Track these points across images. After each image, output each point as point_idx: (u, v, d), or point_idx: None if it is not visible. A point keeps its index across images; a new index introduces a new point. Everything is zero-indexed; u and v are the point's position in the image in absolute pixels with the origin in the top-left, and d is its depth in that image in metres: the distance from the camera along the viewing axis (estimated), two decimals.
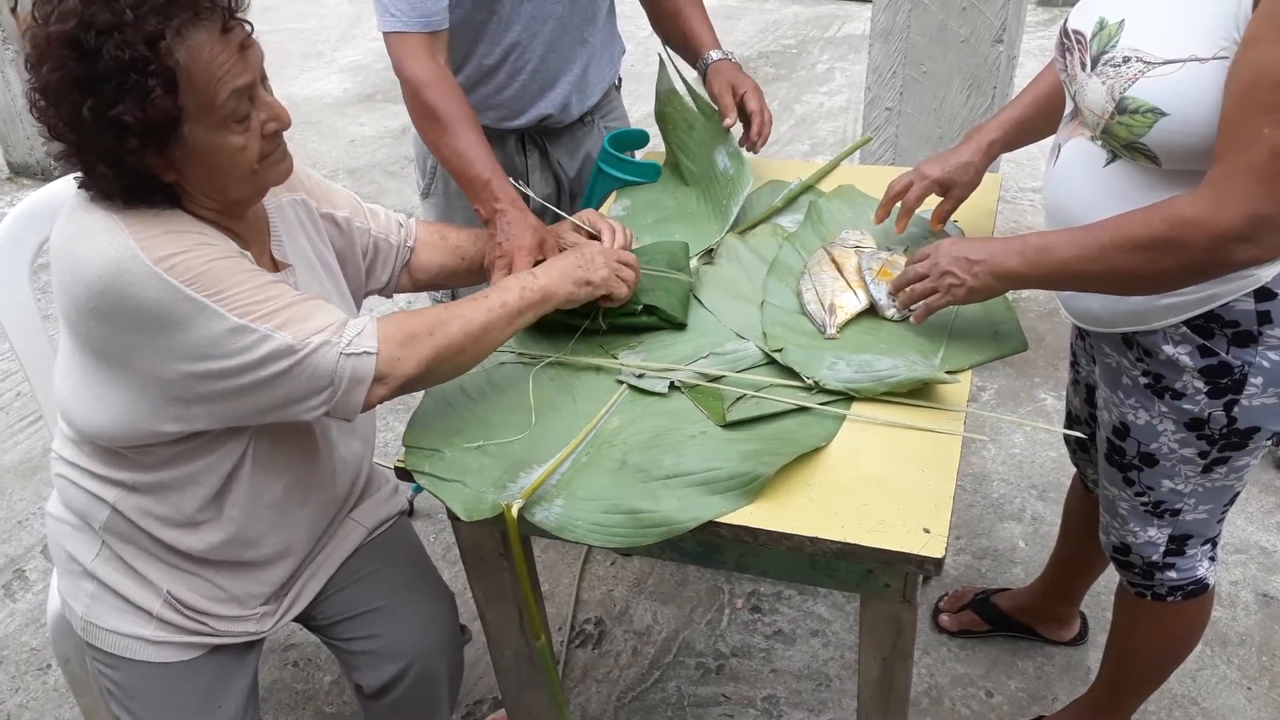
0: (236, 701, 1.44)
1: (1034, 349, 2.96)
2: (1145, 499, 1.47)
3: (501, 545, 1.41)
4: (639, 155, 2.08)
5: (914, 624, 1.29)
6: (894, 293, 1.49)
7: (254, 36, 1.18)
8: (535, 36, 1.83)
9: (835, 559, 1.21)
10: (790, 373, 1.43)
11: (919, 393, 1.38)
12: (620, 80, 2.13)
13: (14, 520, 2.65)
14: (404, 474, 1.37)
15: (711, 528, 1.22)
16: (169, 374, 1.18)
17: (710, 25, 1.98)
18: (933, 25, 2.73)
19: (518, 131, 1.96)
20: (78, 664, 1.68)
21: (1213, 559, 1.56)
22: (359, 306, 1.56)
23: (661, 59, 1.97)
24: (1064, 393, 2.78)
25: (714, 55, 1.92)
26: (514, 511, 1.24)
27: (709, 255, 1.75)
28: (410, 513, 2.50)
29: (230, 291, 1.16)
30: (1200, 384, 1.33)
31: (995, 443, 2.67)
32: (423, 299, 3.17)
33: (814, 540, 1.19)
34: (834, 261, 1.63)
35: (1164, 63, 1.16)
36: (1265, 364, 1.29)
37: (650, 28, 2.07)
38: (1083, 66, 1.28)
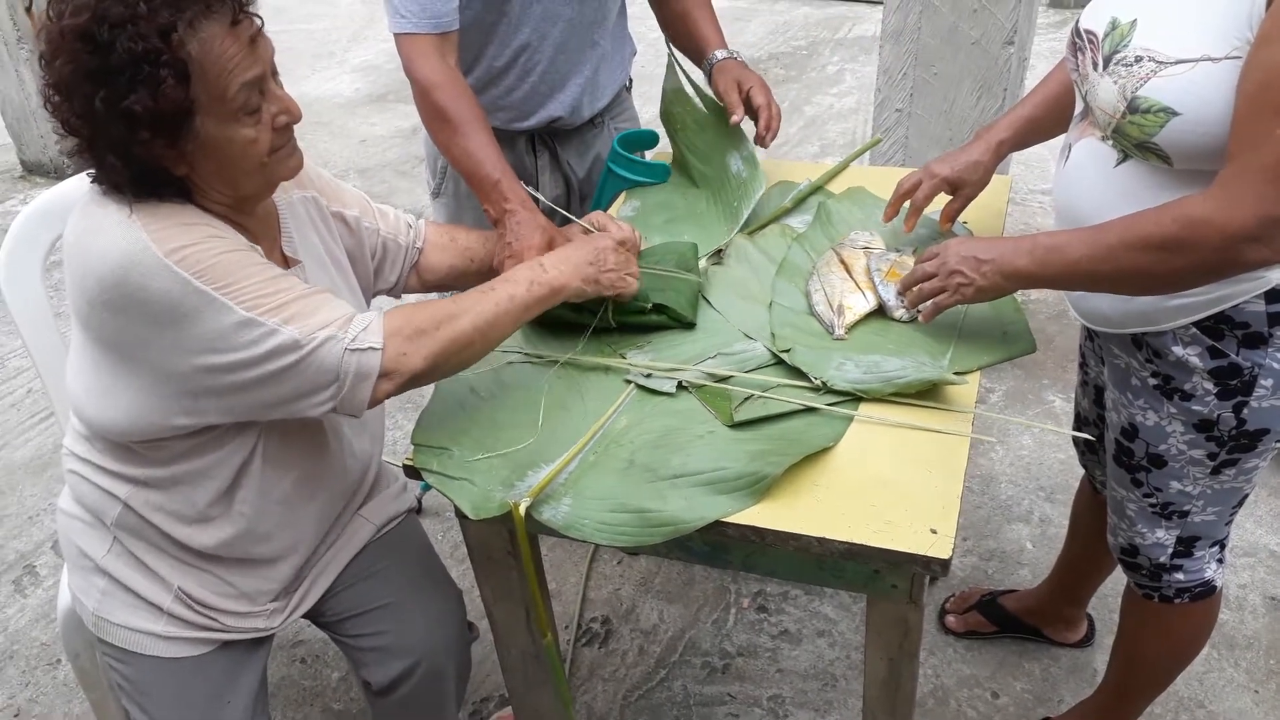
0: (246, 697, 1.45)
1: (1043, 350, 2.95)
2: (1153, 500, 1.47)
3: (509, 544, 1.41)
4: (649, 156, 2.09)
5: (920, 625, 1.29)
6: (902, 292, 1.49)
7: (264, 30, 1.19)
8: (545, 38, 1.83)
9: (842, 559, 1.21)
10: (798, 373, 1.43)
11: (927, 394, 1.38)
12: (631, 81, 2.13)
13: (25, 516, 2.67)
14: (412, 472, 1.38)
15: (719, 527, 1.23)
16: (178, 367, 1.19)
17: (718, 26, 1.97)
18: (944, 27, 2.73)
19: (528, 133, 1.97)
20: (87, 659, 1.69)
21: (1221, 561, 1.56)
22: (368, 306, 1.57)
23: (671, 59, 1.97)
24: (1073, 394, 2.78)
25: (719, 54, 1.92)
26: (521, 510, 1.25)
27: (718, 256, 1.75)
28: (419, 510, 2.51)
29: (239, 284, 1.17)
30: (1210, 385, 1.33)
31: (1003, 444, 2.67)
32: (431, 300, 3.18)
33: (821, 540, 1.19)
34: (843, 262, 1.63)
35: (1176, 62, 1.16)
36: (1275, 365, 1.29)
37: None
38: (1095, 66, 1.28)
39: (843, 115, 4.74)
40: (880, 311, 1.55)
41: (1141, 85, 1.19)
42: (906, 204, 1.64)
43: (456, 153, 1.66)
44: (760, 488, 1.24)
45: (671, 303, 1.55)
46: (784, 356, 1.46)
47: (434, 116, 1.67)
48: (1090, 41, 1.30)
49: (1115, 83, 1.23)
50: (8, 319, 1.70)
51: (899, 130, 2.95)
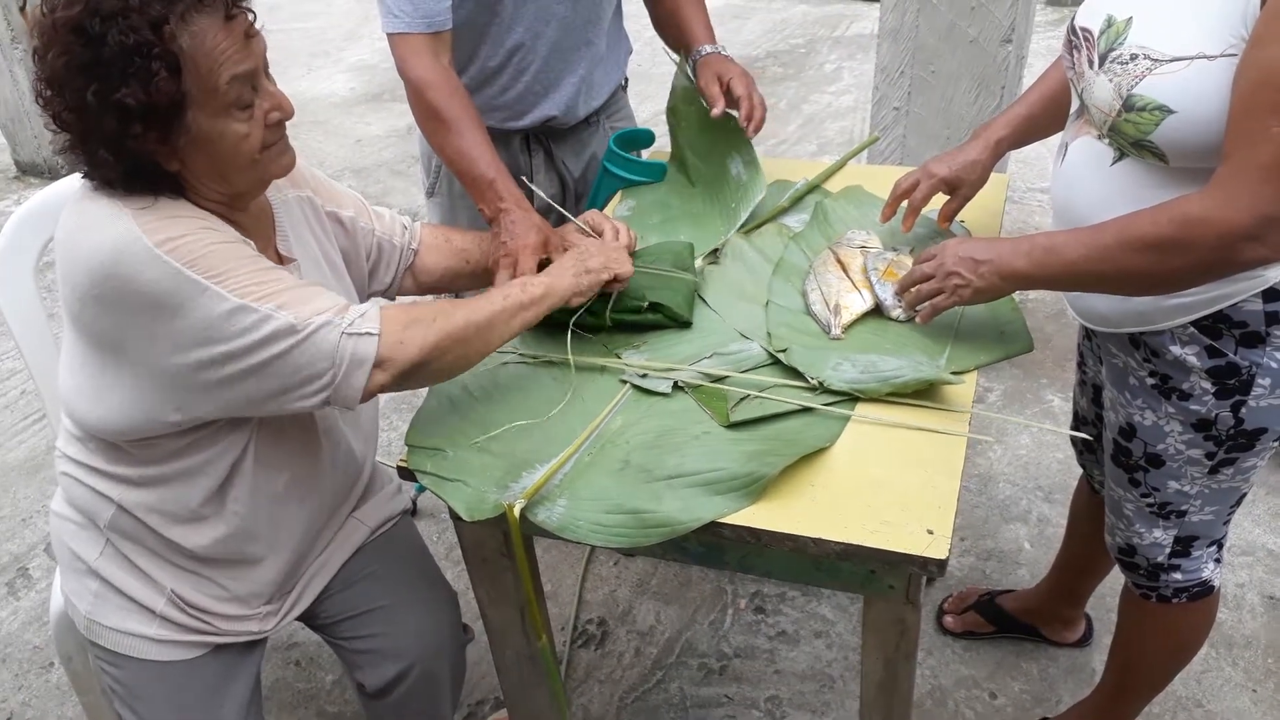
0: (239, 701, 1.44)
1: (1041, 350, 2.95)
2: (1151, 500, 1.47)
3: (504, 545, 1.40)
4: (645, 155, 2.08)
5: (918, 625, 1.29)
6: (900, 293, 1.48)
7: (257, 25, 1.19)
8: (539, 38, 1.82)
9: (838, 560, 1.21)
10: (795, 373, 1.43)
11: (924, 393, 1.38)
12: (627, 80, 2.12)
13: (18, 518, 2.66)
14: (406, 473, 1.37)
15: (714, 528, 1.22)
16: (170, 362, 1.18)
17: (707, 23, 1.95)
18: (941, 25, 2.72)
19: (522, 132, 1.96)
20: (80, 662, 1.68)
21: (1218, 561, 1.55)
22: None
23: (678, 57, 1.96)
24: (1071, 394, 2.77)
25: (705, 49, 1.90)
26: (516, 511, 1.24)
27: (714, 255, 1.74)
28: (413, 512, 2.50)
29: (231, 274, 1.16)
30: (1207, 385, 1.32)
31: (1001, 444, 2.66)
32: (427, 301, 3.17)
33: (817, 541, 1.19)
34: (839, 262, 1.62)
35: (1172, 60, 1.16)
36: (1273, 365, 1.29)
37: None
38: (1090, 64, 1.27)
39: (840, 113, 4.74)
40: (877, 311, 1.55)
41: (1137, 83, 1.19)
42: (904, 204, 1.64)
43: (450, 152, 1.65)
44: (756, 488, 1.23)
45: (668, 302, 1.54)
46: (780, 356, 1.45)
47: (428, 116, 1.66)
48: (1086, 39, 1.29)
49: (1111, 80, 1.22)
50: (0, 320, 1.69)
51: (897, 128, 2.95)
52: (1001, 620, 2.12)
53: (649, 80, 1.92)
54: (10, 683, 2.21)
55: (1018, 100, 1.62)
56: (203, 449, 1.29)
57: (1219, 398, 1.32)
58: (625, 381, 1.46)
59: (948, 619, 2.15)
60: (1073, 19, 1.36)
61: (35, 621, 2.35)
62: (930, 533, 1.17)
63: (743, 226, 1.81)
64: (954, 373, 1.40)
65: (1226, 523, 1.49)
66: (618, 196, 1.97)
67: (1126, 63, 1.20)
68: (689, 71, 1.89)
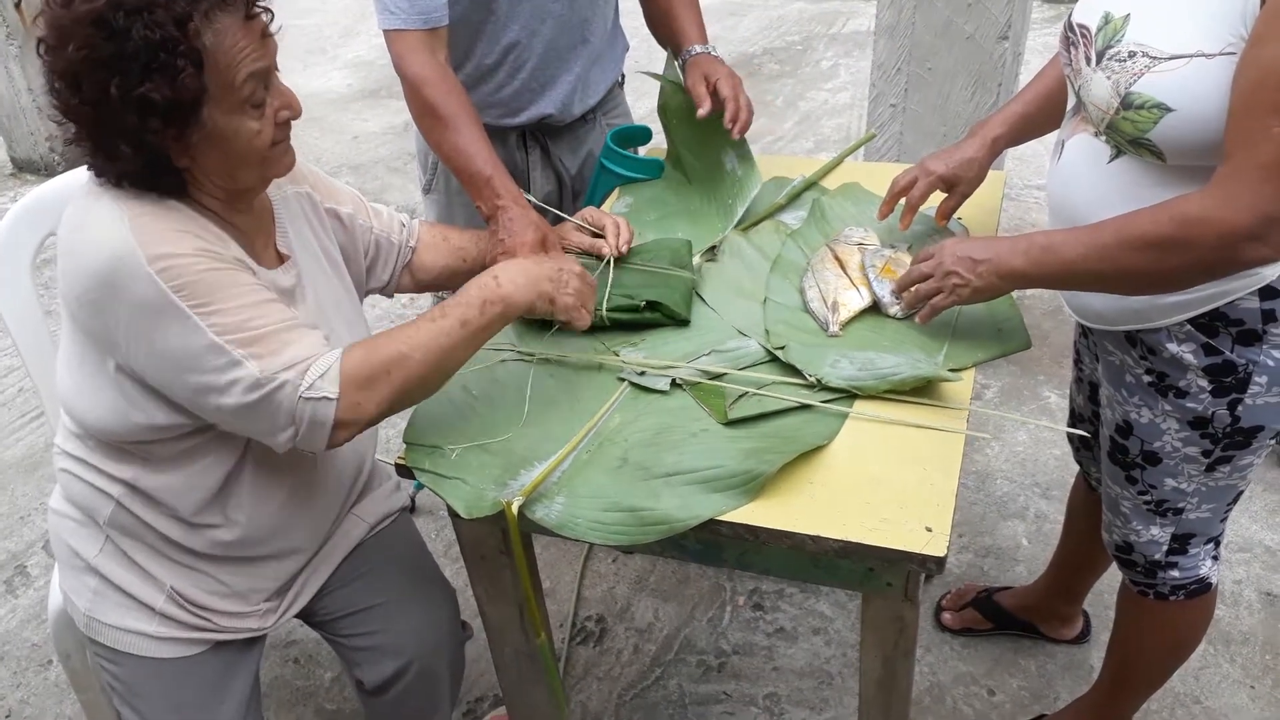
0: (238, 698, 1.44)
1: (1038, 347, 2.95)
2: (1148, 498, 1.47)
3: (502, 543, 1.40)
4: (642, 152, 2.08)
5: (916, 622, 1.29)
6: (898, 293, 1.48)
7: (273, 26, 1.20)
8: (534, 36, 1.82)
9: (837, 557, 1.21)
10: (792, 370, 1.43)
11: (922, 391, 1.38)
12: (623, 77, 2.12)
13: (16, 516, 2.66)
14: (405, 471, 1.37)
15: (712, 526, 1.22)
16: (154, 375, 1.19)
17: (700, 22, 1.94)
18: (938, 22, 2.72)
19: (519, 129, 1.96)
20: (79, 660, 1.68)
21: (1216, 558, 1.55)
22: (361, 304, 1.56)
23: (669, 54, 1.96)
24: (1068, 390, 2.78)
25: (695, 49, 1.89)
26: (514, 509, 1.24)
27: (712, 252, 1.74)
28: (412, 509, 2.50)
29: (215, 305, 1.15)
30: (1204, 383, 1.32)
31: (999, 440, 2.66)
32: (426, 300, 3.16)
33: (815, 539, 1.19)
34: (837, 259, 1.62)
35: (1170, 58, 1.16)
36: (1270, 363, 1.29)
37: None
38: (1088, 61, 1.27)
39: (837, 110, 4.73)
40: (875, 308, 1.55)
41: (1135, 81, 1.19)
42: (901, 201, 1.63)
43: (447, 149, 1.65)
44: (754, 486, 1.23)
45: (665, 300, 1.54)
46: (778, 354, 1.45)
47: (424, 112, 1.66)
48: (1083, 36, 1.29)
49: (1109, 78, 1.22)
50: None
51: (893, 125, 2.95)
52: (999, 617, 2.12)
53: (646, 77, 1.91)
54: (9, 680, 2.20)
55: (1015, 98, 1.62)
56: (199, 456, 1.30)
57: (1215, 395, 1.32)
58: (623, 379, 1.46)
59: (946, 616, 2.16)
60: (1070, 15, 1.35)
61: (34, 619, 2.35)
62: (929, 530, 1.17)
63: (740, 223, 1.81)
64: (952, 370, 1.40)
65: (1224, 520, 1.49)
66: (615, 194, 1.97)
67: (1124, 60, 1.20)
68: (678, 70, 1.89)
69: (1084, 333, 1.63)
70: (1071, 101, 1.38)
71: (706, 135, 1.90)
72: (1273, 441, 1.38)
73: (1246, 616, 2.15)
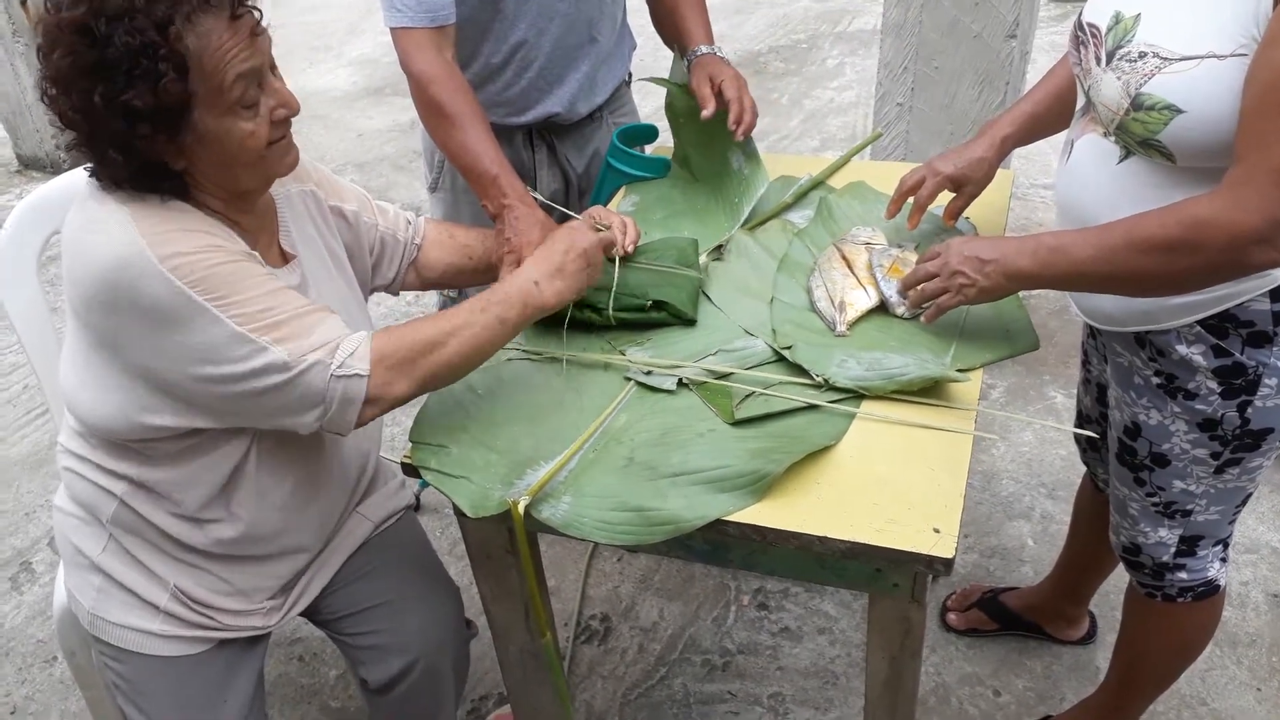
0: (243, 696, 1.44)
1: (1044, 346, 2.94)
2: (1156, 499, 1.46)
3: (508, 542, 1.40)
4: (648, 150, 2.07)
5: (923, 623, 1.29)
6: (904, 291, 1.48)
7: (263, 24, 1.18)
8: (542, 34, 1.81)
9: (844, 558, 1.20)
10: (800, 370, 1.42)
11: (929, 391, 1.37)
12: (630, 75, 2.12)
13: (21, 513, 2.66)
14: (410, 470, 1.37)
15: (719, 526, 1.22)
16: (168, 372, 1.18)
17: (706, 22, 1.94)
18: (945, 20, 2.71)
19: (525, 128, 1.95)
20: (83, 657, 1.68)
21: (1224, 560, 1.55)
22: (366, 302, 1.55)
23: (675, 54, 1.96)
24: (1074, 390, 2.76)
25: (701, 49, 1.88)
26: (520, 508, 1.24)
27: (718, 251, 1.74)
28: (417, 507, 2.50)
29: (233, 297, 1.16)
30: (1214, 384, 1.32)
31: (1005, 440, 2.66)
32: (431, 298, 3.16)
33: (823, 539, 1.18)
34: (844, 258, 1.62)
35: (1181, 59, 1.15)
36: None
37: None
38: (1097, 61, 1.27)
39: (843, 109, 4.72)
40: (882, 308, 1.54)
41: (1146, 81, 1.18)
42: (909, 201, 1.63)
43: (454, 147, 1.65)
44: (761, 486, 1.23)
45: (671, 299, 1.54)
46: (785, 353, 1.45)
47: (431, 111, 1.66)
48: (1093, 36, 1.28)
49: (1119, 79, 1.21)
50: (2, 314, 1.69)
51: (900, 125, 2.94)
52: (1005, 618, 2.12)
53: (653, 75, 1.92)
54: (14, 677, 2.21)
55: (1024, 97, 1.62)
56: (202, 454, 1.29)
57: (1225, 398, 1.32)
58: (629, 378, 1.45)
59: (951, 616, 2.15)
60: (1080, 15, 1.35)
61: (39, 616, 2.35)
62: (936, 531, 1.17)
63: (747, 222, 1.80)
64: (959, 370, 1.39)
65: (1232, 522, 1.49)
66: (621, 192, 1.96)
67: (1135, 60, 1.19)
68: (684, 70, 1.88)
69: (1092, 334, 1.62)
70: (1081, 101, 1.38)
71: (713, 134, 1.90)
72: None
73: (1253, 618, 2.14)
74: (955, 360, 1.43)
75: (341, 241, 1.48)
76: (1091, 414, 1.71)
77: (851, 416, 1.35)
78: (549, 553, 2.40)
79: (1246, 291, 1.25)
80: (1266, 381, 1.29)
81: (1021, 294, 1.47)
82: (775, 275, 1.64)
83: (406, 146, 4.67)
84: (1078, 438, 1.85)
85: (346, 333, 1.24)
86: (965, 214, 1.67)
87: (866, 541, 1.17)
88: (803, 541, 1.20)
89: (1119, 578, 1.92)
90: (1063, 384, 2.85)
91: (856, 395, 1.38)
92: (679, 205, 1.89)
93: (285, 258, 1.37)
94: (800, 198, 1.87)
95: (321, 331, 1.22)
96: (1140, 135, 1.21)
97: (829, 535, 1.18)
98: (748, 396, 1.38)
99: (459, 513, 1.32)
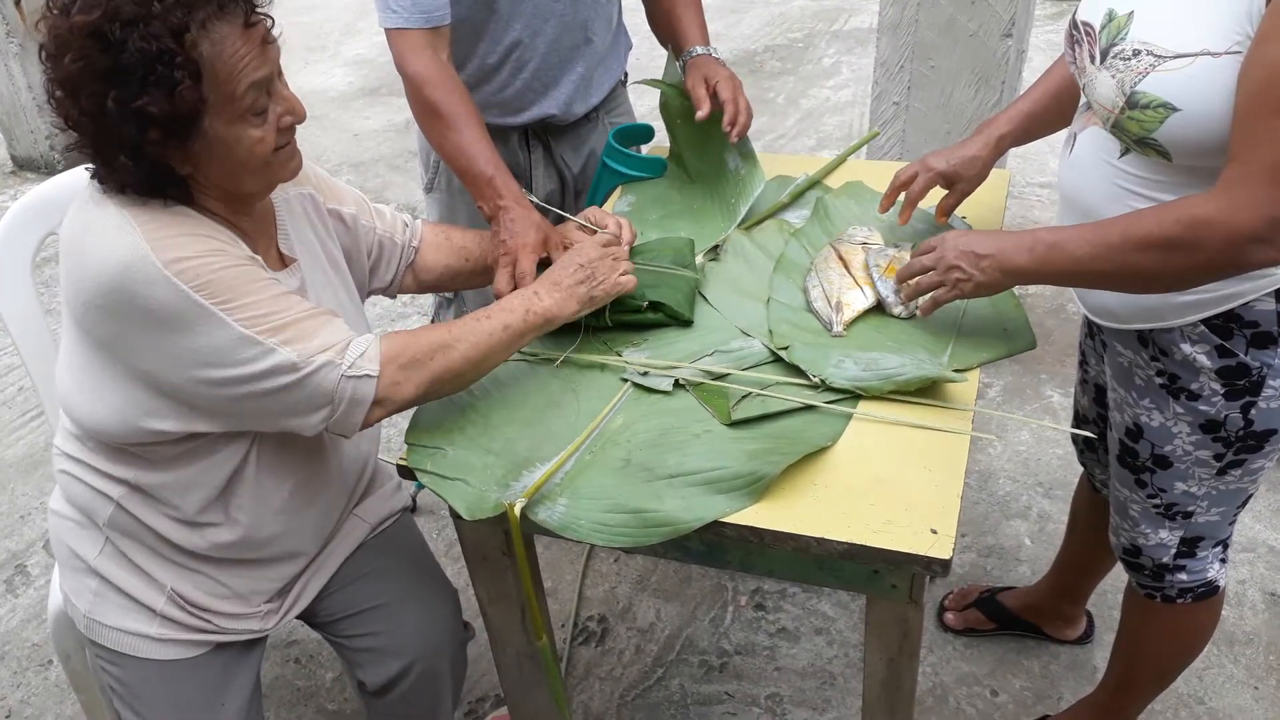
0: (240, 699, 1.44)
1: (1041, 345, 2.92)
2: (1157, 501, 1.46)
3: (504, 544, 1.40)
4: (644, 150, 2.07)
5: (920, 624, 1.28)
6: (899, 283, 1.47)
7: (274, 32, 1.18)
8: (537, 35, 1.81)
9: (841, 559, 1.20)
10: (796, 371, 1.42)
11: (926, 391, 1.37)
12: (627, 76, 2.11)
13: (16, 515, 2.65)
14: (406, 472, 1.36)
15: (716, 528, 1.21)
16: (171, 375, 1.18)
17: (702, 23, 1.93)
18: (941, 19, 2.71)
19: (521, 128, 1.95)
20: (78, 660, 1.67)
21: (1223, 561, 1.54)
22: (364, 304, 1.55)
23: (669, 53, 1.95)
24: (1071, 390, 2.76)
25: (697, 50, 1.88)
26: (517, 511, 1.23)
27: (715, 252, 1.73)
28: (413, 509, 2.49)
29: (239, 301, 1.16)
30: (1217, 385, 1.31)
31: (1002, 440, 2.66)
32: (427, 300, 3.16)
33: (820, 541, 1.18)
34: (841, 258, 1.61)
35: (1175, 56, 1.15)
36: None
37: None
38: (1092, 59, 1.26)
39: (839, 108, 4.72)
40: (879, 308, 1.54)
41: (1140, 80, 1.18)
42: (902, 196, 1.63)
43: (449, 149, 1.64)
44: (758, 487, 1.23)
45: (668, 300, 1.54)
46: (782, 354, 1.45)
47: (426, 112, 1.65)
48: (1087, 34, 1.28)
49: (1113, 77, 1.21)
50: None
51: (896, 124, 2.94)
52: (1002, 617, 2.11)
53: (649, 75, 1.91)
54: (9, 680, 2.20)
55: (1022, 96, 1.61)
56: (201, 457, 1.29)
57: (1229, 399, 1.31)
58: (626, 379, 1.45)
59: (949, 616, 2.15)
60: (1074, 13, 1.34)
61: (34, 619, 2.34)
62: (934, 532, 1.17)
63: (743, 222, 1.80)
64: (956, 370, 1.39)
65: (1232, 523, 1.49)
66: (617, 192, 1.96)
67: (1129, 59, 1.19)
68: (679, 70, 1.88)
69: (1090, 333, 1.62)
70: (1084, 98, 1.37)
71: (708, 134, 1.89)
72: None
73: (1250, 617, 2.14)
74: (952, 360, 1.42)
75: (339, 244, 1.48)
76: (1089, 415, 1.71)
77: (848, 417, 1.35)
78: (545, 553, 2.39)
79: (1250, 291, 1.24)
80: (1270, 383, 1.29)
81: (1018, 292, 1.47)
82: (772, 275, 1.64)
83: (402, 147, 4.66)
84: (1075, 438, 1.85)
85: (352, 335, 1.25)
86: (961, 213, 1.67)
87: (864, 543, 1.17)
88: (800, 543, 1.19)
89: (1116, 577, 1.93)
90: (1059, 383, 2.85)
91: (853, 396, 1.38)
92: (675, 205, 1.89)
93: (284, 261, 1.36)
94: (797, 197, 1.87)
95: (327, 334, 1.22)
96: (1136, 133, 1.21)
97: (826, 536, 1.18)
98: (744, 397, 1.37)
99: (455, 515, 1.31)
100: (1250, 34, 1.09)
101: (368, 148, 4.73)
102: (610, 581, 2.35)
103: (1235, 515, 1.47)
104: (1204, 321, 1.29)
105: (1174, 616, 1.58)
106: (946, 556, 1.14)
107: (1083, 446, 1.81)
